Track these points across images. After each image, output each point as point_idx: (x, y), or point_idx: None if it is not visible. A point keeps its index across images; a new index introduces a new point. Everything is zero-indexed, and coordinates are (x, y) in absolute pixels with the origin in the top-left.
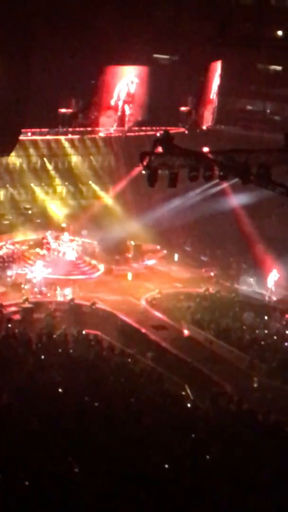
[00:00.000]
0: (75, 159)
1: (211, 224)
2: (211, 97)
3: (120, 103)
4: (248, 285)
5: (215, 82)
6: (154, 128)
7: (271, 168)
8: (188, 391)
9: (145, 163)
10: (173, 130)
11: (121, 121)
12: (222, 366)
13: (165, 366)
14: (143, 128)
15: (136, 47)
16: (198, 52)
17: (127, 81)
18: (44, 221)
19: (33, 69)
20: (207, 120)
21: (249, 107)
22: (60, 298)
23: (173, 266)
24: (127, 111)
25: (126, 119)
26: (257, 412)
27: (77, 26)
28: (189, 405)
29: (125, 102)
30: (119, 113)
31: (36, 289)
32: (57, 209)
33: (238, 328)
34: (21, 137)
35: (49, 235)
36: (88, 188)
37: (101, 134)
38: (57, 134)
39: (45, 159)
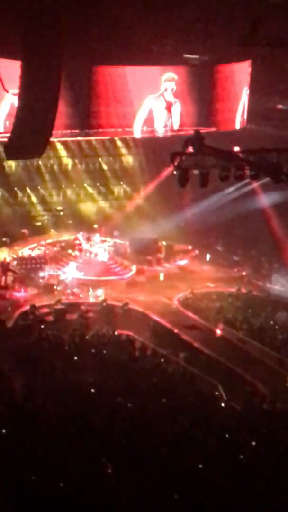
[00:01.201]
0: (106, 160)
1: (243, 223)
2: (242, 96)
3: (158, 109)
4: (280, 285)
5: (245, 81)
6: (185, 128)
7: None
8: (221, 391)
9: (176, 163)
10: (204, 130)
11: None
12: (255, 366)
13: (197, 366)
14: (175, 128)
15: (167, 47)
16: (228, 52)
17: (164, 87)
18: (76, 222)
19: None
20: (238, 119)
21: (279, 106)
22: (92, 299)
23: (205, 266)
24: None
25: (163, 124)
26: None
27: (107, 27)
28: (222, 405)
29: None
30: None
31: (68, 290)
32: (89, 210)
33: (271, 328)
34: (52, 139)
35: (81, 236)
36: (119, 188)
37: (133, 135)
38: (87, 135)
39: (76, 160)
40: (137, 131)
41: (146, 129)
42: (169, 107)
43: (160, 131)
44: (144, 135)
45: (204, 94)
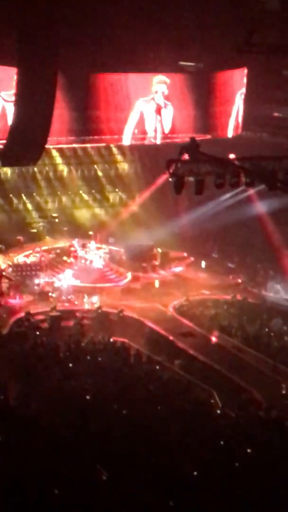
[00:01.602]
0: (101, 167)
1: (238, 231)
2: (237, 104)
3: (148, 111)
4: (275, 292)
5: (240, 89)
6: (180, 135)
7: None
8: (217, 398)
9: (171, 171)
10: (199, 137)
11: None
12: (250, 373)
13: (193, 373)
14: (169, 135)
15: (161, 54)
16: (224, 59)
17: (155, 90)
18: (71, 229)
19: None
20: (233, 127)
21: (275, 114)
22: (87, 306)
23: (200, 273)
24: (153, 119)
25: (153, 127)
26: (286, 419)
27: (103, 34)
28: (217, 412)
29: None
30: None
31: (64, 297)
32: (84, 217)
33: (266, 335)
34: (47, 146)
35: (76, 243)
36: (115, 195)
37: (127, 142)
38: (83, 142)
39: (71, 167)
40: (128, 134)
41: (136, 132)
42: (159, 110)
43: (150, 134)
44: (135, 138)
45: (200, 100)
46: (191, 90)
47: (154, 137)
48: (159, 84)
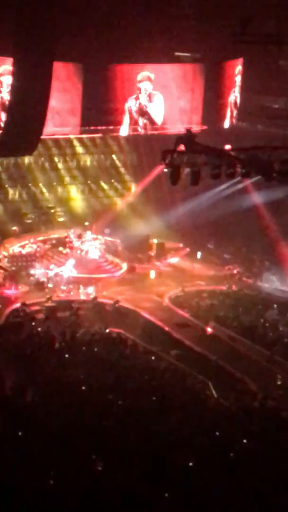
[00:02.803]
0: (97, 157)
1: (234, 222)
2: (233, 94)
3: (143, 102)
4: (271, 283)
5: (236, 79)
6: (176, 126)
7: None
8: (212, 388)
9: (167, 161)
10: (195, 128)
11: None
12: (246, 364)
13: (188, 363)
14: (165, 126)
15: (158, 45)
16: (220, 50)
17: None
18: (67, 220)
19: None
20: (229, 117)
21: (271, 105)
22: (83, 297)
23: (196, 264)
24: (149, 109)
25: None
26: (281, 410)
27: (98, 25)
28: (213, 402)
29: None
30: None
31: (62, 287)
32: (80, 208)
33: (261, 326)
34: (43, 136)
35: (72, 233)
36: (110, 186)
37: (123, 133)
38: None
39: (67, 157)
40: (125, 126)
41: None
42: (141, 110)
43: (141, 131)
44: (136, 132)
45: (195, 91)
46: (186, 80)
47: (145, 132)
48: (142, 82)
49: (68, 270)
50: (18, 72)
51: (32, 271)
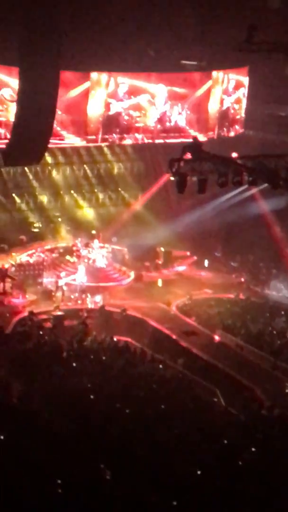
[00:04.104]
0: (104, 166)
1: (241, 229)
2: (238, 102)
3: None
4: (278, 290)
5: (242, 87)
6: (182, 134)
7: None
8: (220, 396)
9: (174, 170)
10: (201, 136)
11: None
12: (253, 372)
13: (196, 372)
14: (172, 134)
15: (164, 53)
16: (226, 58)
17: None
18: (74, 229)
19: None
20: (236, 126)
21: (278, 112)
22: (90, 305)
23: (203, 272)
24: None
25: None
26: None
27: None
28: (220, 410)
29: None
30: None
31: (76, 295)
32: (87, 217)
33: (269, 334)
34: (50, 145)
35: (79, 242)
36: (118, 195)
37: (130, 141)
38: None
39: (74, 166)
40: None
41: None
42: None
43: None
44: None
45: (202, 99)
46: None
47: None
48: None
49: (81, 278)
50: (24, 82)
51: (39, 280)
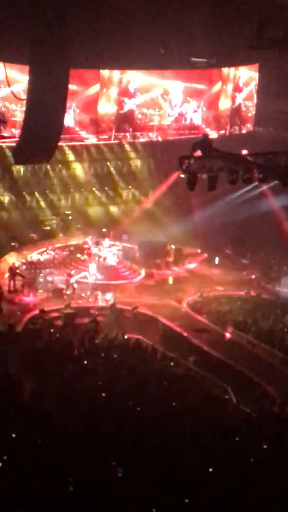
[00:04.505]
0: (114, 164)
1: (252, 226)
2: (249, 99)
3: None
4: None
5: (252, 84)
6: (192, 132)
7: None
8: (231, 394)
9: (184, 167)
10: (212, 133)
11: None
12: (265, 369)
13: (207, 369)
14: (182, 132)
15: (174, 50)
16: (236, 55)
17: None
18: (85, 227)
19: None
20: (247, 124)
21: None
22: (101, 303)
23: (214, 269)
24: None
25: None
26: None
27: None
28: (232, 407)
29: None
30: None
31: (83, 294)
32: (97, 214)
33: (280, 331)
34: (60, 143)
35: (89, 240)
36: (128, 192)
37: (141, 139)
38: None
39: (84, 164)
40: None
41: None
42: None
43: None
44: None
45: (213, 96)
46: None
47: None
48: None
49: (93, 275)
50: (34, 80)
51: (50, 278)
